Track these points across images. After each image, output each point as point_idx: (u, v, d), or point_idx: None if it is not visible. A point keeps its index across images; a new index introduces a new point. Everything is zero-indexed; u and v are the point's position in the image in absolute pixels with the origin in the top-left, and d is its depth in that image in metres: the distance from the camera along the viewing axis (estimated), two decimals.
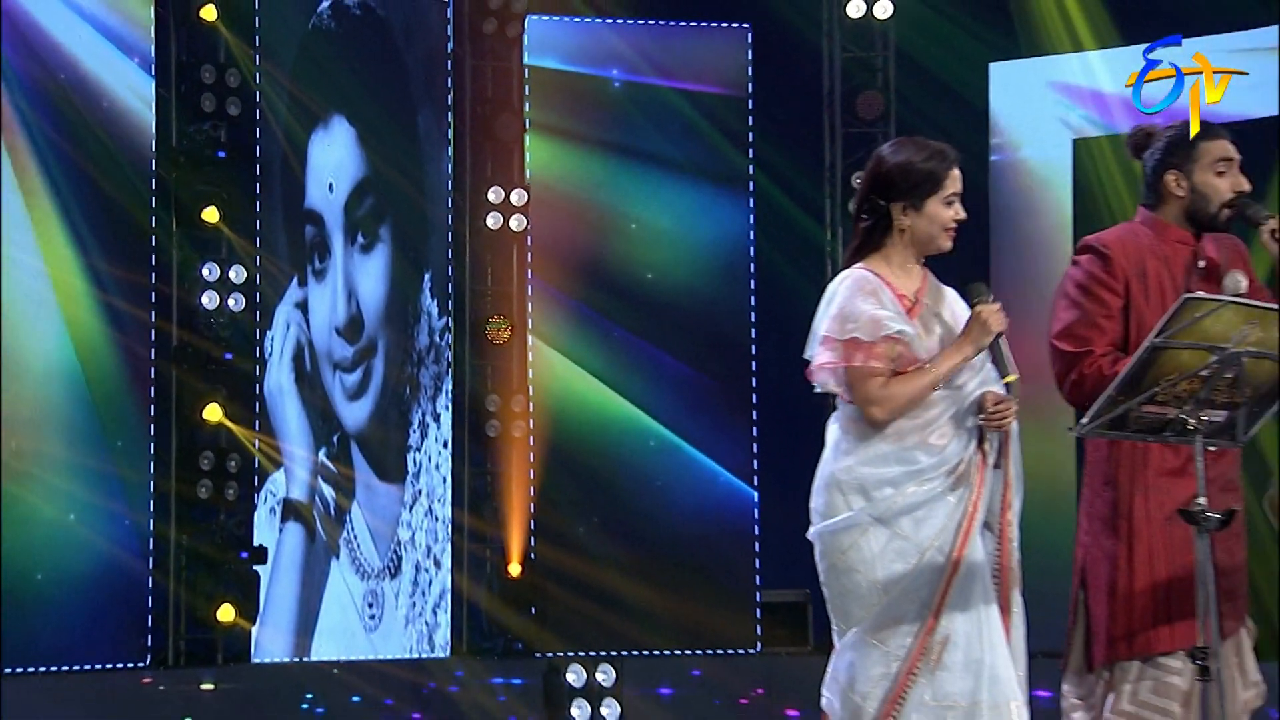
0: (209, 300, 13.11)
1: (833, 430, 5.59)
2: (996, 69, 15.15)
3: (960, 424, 5.49)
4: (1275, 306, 5.45)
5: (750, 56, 15.04)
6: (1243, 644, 6.31)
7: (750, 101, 15.02)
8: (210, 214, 13.10)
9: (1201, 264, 6.28)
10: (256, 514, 13.40)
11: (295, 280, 13.80)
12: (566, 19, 14.82)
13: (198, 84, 13.18)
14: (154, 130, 12.99)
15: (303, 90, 13.85)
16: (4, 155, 11.82)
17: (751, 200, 14.92)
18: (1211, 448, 5.95)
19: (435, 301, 14.39)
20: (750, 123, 14.95)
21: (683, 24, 15.04)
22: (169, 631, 12.93)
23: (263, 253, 13.52)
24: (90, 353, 12.61)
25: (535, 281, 14.46)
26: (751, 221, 14.87)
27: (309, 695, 12.70)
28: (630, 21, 14.99)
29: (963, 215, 5.64)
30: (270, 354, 13.60)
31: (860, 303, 5.45)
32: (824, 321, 5.51)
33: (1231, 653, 6.24)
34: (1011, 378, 5.47)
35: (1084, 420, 5.38)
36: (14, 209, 12.03)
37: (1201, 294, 5.33)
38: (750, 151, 14.95)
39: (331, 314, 13.94)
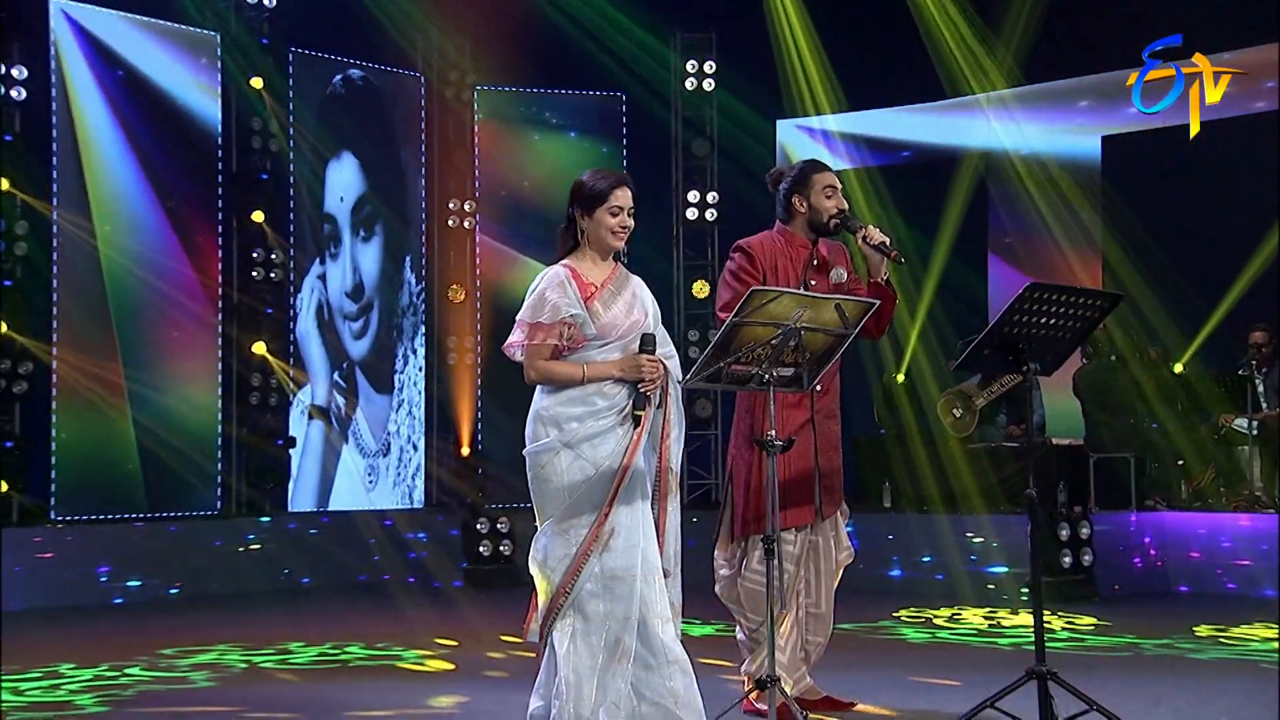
0: (257, 274, 12.84)
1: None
2: (781, 124, 14.97)
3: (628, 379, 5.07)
4: (823, 295, 5.15)
5: (624, 112, 14.74)
6: (838, 521, 6.11)
7: (624, 144, 14.72)
8: (258, 215, 12.88)
9: (815, 261, 6.04)
10: (290, 415, 13.18)
11: (317, 260, 13.55)
12: (501, 88, 14.45)
13: (249, 129, 12.92)
14: (220, 160, 12.85)
15: (322, 133, 13.58)
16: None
17: None
18: (818, 389, 5.72)
19: (413, 275, 14.14)
20: (624, 160, 14.58)
21: (581, 91, 14.71)
22: (232, 491, 12.79)
23: (294, 242, 13.28)
24: (179, 313, 12.52)
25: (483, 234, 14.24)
26: None
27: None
28: (547, 91, 14.68)
29: (628, 224, 5.15)
30: (300, 309, 13.36)
31: (549, 294, 5.05)
32: (524, 308, 5.12)
33: (829, 528, 6.05)
34: (638, 413, 5.02)
35: (688, 375, 5.05)
36: (143, 212, 12.26)
37: (765, 287, 5.01)
38: (625, 169, 14.55)
39: (342, 282, 13.69)
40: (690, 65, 14.57)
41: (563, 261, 5.17)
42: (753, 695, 5.75)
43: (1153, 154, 13.15)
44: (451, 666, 7.81)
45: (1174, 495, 11.66)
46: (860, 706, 6.08)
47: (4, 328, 11.49)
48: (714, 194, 14.57)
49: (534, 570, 5.09)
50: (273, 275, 12.91)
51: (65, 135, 11.86)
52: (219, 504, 12.61)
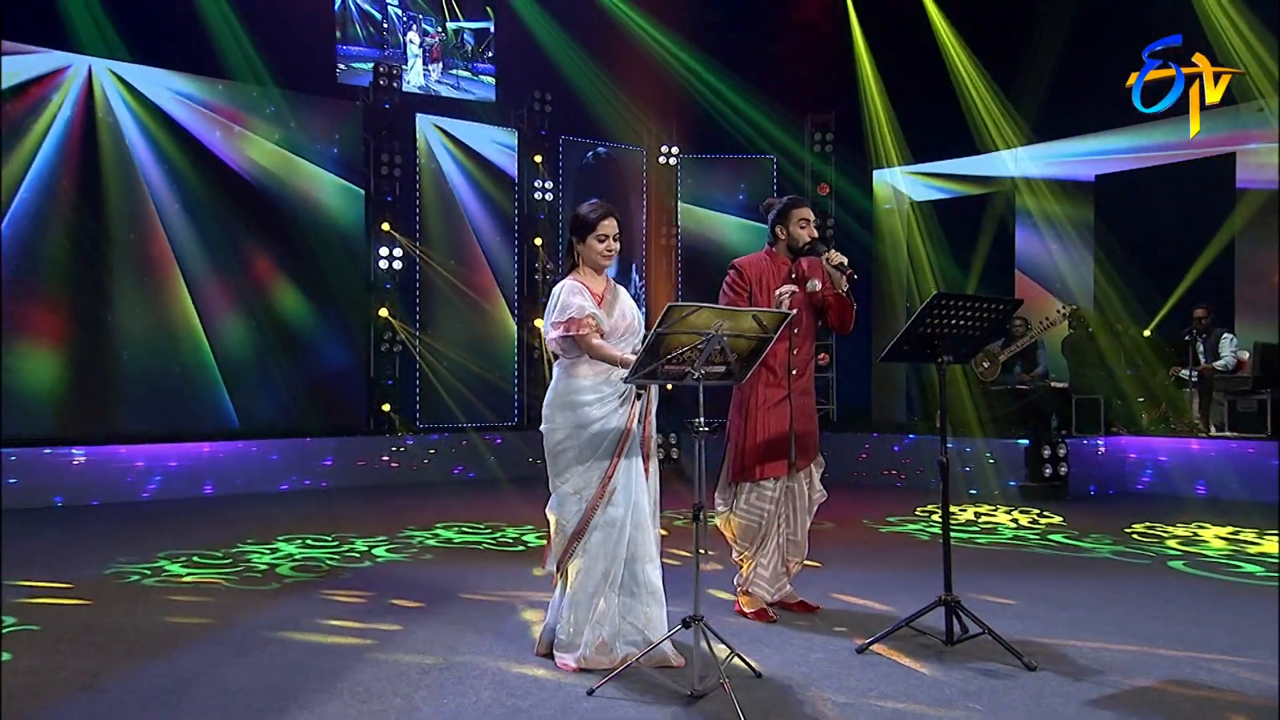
0: (537, 278, 12.13)
1: (556, 370, 4.04)
2: (876, 172, 13.22)
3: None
4: (739, 309, 3.77)
5: (774, 169, 13.30)
6: (812, 471, 4.76)
7: (775, 190, 13.28)
8: (538, 240, 12.14)
9: (794, 275, 4.68)
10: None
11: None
12: (693, 155, 13.22)
13: (533, 187, 12.19)
14: (515, 209, 12.16)
15: (579, 188, 12.61)
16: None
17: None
18: (794, 372, 4.44)
19: (638, 275, 13.09)
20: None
21: (745, 156, 13.30)
22: (524, 411, 12.15)
23: (560, 257, 12.30)
24: (490, 304, 12.01)
25: (683, 250, 13.04)
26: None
27: None
28: (723, 156, 13.33)
29: (614, 247, 4.00)
30: None
31: (570, 297, 3.93)
32: (551, 313, 3.98)
33: (804, 476, 4.72)
34: (641, 390, 3.92)
35: (629, 373, 3.75)
36: (470, 242, 11.85)
37: (681, 303, 3.66)
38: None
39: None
40: (816, 136, 13.07)
41: (570, 276, 4.03)
42: (741, 601, 4.59)
43: (1133, 187, 11.06)
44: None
45: (1134, 424, 9.77)
46: (824, 609, 4.77)
47: (384, 313, 11.25)
48: (832, 220, 12.99)
49: (551, 521, 3.99)
50: (547, 278, 12.15)
51: (425, 194, 11.65)
52: (515, 418, 12.05)
